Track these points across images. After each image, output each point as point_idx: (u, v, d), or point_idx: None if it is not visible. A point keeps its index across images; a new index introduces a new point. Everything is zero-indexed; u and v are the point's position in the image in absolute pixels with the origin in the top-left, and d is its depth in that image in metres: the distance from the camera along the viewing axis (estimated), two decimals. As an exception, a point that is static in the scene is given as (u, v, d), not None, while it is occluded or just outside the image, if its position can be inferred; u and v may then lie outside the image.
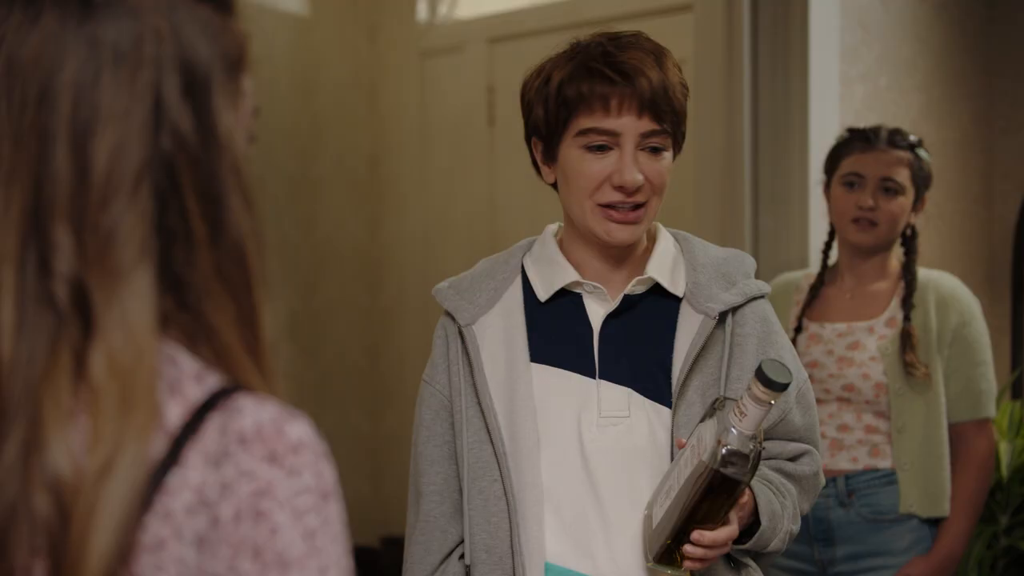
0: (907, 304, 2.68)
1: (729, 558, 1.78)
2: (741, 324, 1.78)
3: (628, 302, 1.79)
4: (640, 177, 1.72)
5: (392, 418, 4.84)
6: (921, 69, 3.60)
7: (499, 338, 1.78)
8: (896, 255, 2.78)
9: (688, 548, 1.64)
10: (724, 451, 1.57)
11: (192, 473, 0.90)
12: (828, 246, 2.84)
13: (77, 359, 0.91)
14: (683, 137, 1.80)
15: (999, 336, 3.45)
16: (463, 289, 1.84)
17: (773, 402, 1.56)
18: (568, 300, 1.80)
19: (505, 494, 1.73)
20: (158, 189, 0.94)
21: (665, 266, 1.80)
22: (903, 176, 2.71)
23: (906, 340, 2.65)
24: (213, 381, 0.94)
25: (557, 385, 1.76)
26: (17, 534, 0.89)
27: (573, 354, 1.77)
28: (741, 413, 1.57)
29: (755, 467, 1.59)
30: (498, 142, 4.35)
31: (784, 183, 3.28)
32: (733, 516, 1.67)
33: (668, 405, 1.75)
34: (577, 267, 1.80)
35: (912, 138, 2.76)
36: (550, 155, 1.79)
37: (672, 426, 1.74)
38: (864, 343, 2.70)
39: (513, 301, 1.81)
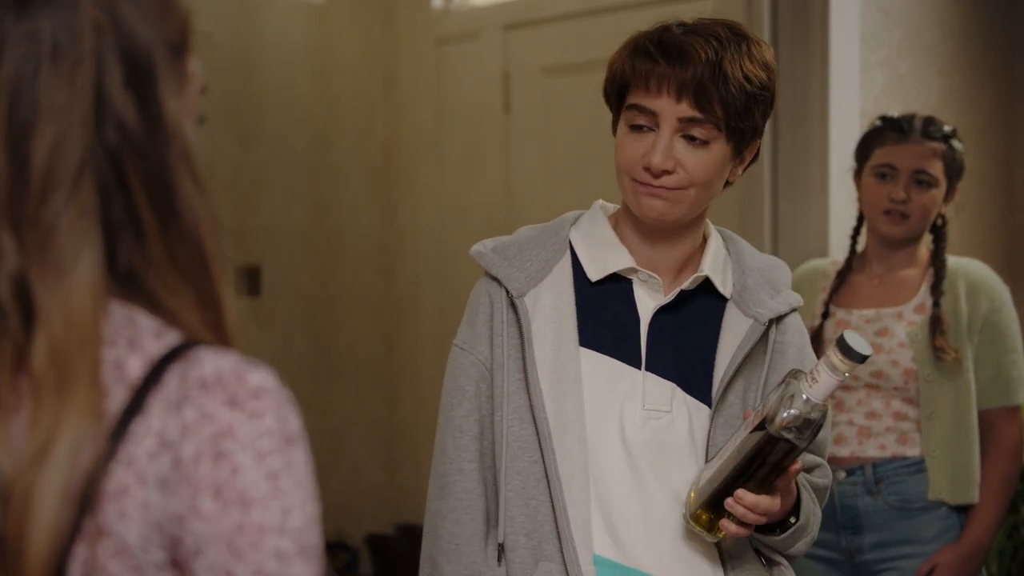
0: (937, 290, 2.67)
1: (761, 556, 1.77)
2: (783, 332, 1.78)
3: (677, 297, 1.76)
4: (667, 162, 1.68)
5: (407, 406, 4.83)
6: (942, 55, 3.57)
7: (548, 316, 1.73)
8: (925, 243, 2.76)
9: (729, 502, 1.62)
10: (786, 414, 1.57)
11: (154, 420, 0.92)
12: (856, 231, 2.82)
13: (19, 353, 0.91)
14: (748, 133, 1.71)
15: (1021, 324, 3.42)
16: (511, 256, 1.77)
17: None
18: (617, 285, 1.77)
19: (547, 477, 1.69)
20: (102, 182, 0.94)
21: (717, 265, 1.78)
22: (936, 169, 2.69)
23: (936, 325, 2.63)
24: (173, 337, 0.95)
25: (603, 372, 1.73)
26: None
27: (619, 342, 1.74)
28: (813, 380, 1.58)
29: (812, 437, 1.60)
30: (514, 129, 4.32)
31: (804, 170, 3.25)
32: (776, 491, 1.65)
33: (708, 404, 1.74)
34: (629, 252, 1.77)
35: (946, 128, 2.73)
36: (614, 127, 1.77)
37: (710, 426, 1.73)
38: (893, 329, 2.68)
39: (563, 278, 1.76)
